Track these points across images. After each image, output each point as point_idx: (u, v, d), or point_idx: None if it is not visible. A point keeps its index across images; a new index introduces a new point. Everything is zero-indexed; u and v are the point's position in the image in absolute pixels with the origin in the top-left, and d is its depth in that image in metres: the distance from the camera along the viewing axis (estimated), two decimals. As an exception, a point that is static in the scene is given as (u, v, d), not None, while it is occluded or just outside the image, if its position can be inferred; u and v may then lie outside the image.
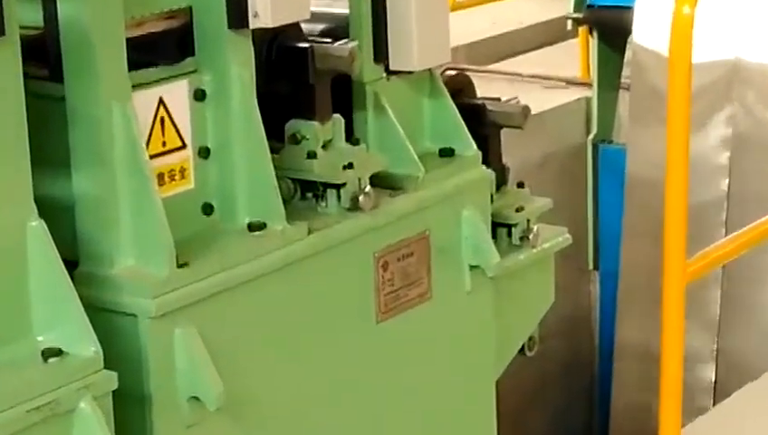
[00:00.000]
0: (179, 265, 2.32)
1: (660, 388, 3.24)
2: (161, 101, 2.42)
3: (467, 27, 7.33)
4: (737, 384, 4.14)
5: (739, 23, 5.66)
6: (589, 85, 6.50)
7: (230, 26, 2.45)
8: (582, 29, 6.51)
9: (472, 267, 2.84)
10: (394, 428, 2.76)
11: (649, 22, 5.80)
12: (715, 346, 5.77)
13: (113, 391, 2.19)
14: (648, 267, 5.09)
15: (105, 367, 2.18)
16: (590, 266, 6.47)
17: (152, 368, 2.28)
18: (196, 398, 2.32)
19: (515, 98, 3.11)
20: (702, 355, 5.75)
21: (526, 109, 3.04)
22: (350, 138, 2.70)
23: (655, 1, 5.66)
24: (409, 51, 2.74)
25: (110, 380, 2.18)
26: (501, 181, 3.04)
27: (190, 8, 2.46)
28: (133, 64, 2.35)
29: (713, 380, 5.72)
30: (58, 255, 2.18)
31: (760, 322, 5.68)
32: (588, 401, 6.57)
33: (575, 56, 6.83)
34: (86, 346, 2.16)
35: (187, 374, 2.31)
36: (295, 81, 2.63)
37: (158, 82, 2.41)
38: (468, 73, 3.22)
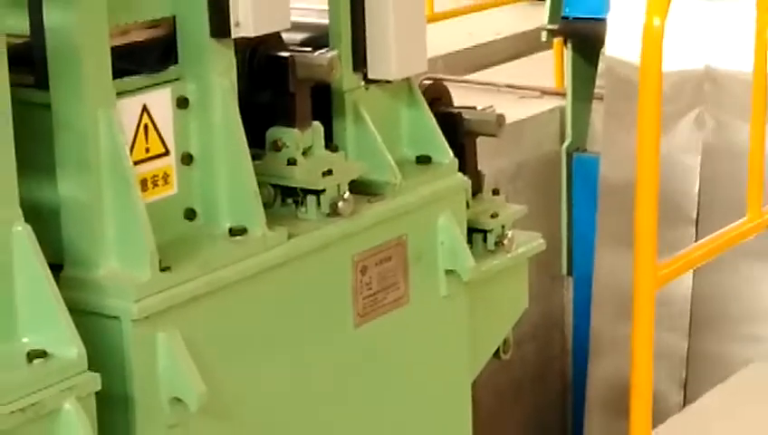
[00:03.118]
0: (162, 269, 2.32)
1: (630, 389, 3.25)
2: (145, 109, 2.41)
3: (445, 38, 7.34)
4: (708, 385, 4.15)
5: (708, 31, 5.68)
6: (563, 95, 6.52)
7: (212, 35, 2.44)
8: (557, 40, 6.53)
9: (448, 272, 2.84)
10: (372, 428, 2.76)
11: (622, 33, 5.82)
12: (686, 347, 5.78)
13: (97, 392, 2.19)
14: (621, 272, 5.10)
15: (89, 368, 2.17)
16: (564, 272, 6.48)
17: (135, 369, 2.27)
18: (178, 399, 2.31)
19: (491, 107, 3.11)
20: (673, 357, 5.76)
21: (501, 117, 3.05)
22: (330, 145, 2.70)
23: (627, 13, 5.69)
24: (387, 60, 2.75)
25: (94, 381, 2.17)
26: (476, 188, 3.04)
27: (174, 17, 2.46)
28: (117, 72, 2.34)
29: (683, 381, 5.74)
30: (43, 258, 2.18)
31: (730, 324, 5.70)
32: (562, 403, 6.58)
33: (550, 67, 6.85)
34: (70, 348, 2.15)
35: (169, 376, 2.30)
36: (276, 89, 2.63)
37: (141, 89, 2.41)
38: (445, 83, 3.22)
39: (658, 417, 3.79)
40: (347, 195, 2.62)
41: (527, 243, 3.09)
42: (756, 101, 3.60)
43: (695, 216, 5.74)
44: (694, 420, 3.89)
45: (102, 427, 2.22)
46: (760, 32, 3.56)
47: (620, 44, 5.84)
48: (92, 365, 2.18)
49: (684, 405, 5.20)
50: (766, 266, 5.60)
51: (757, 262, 5.55)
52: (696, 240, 5.01)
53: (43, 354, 2.13)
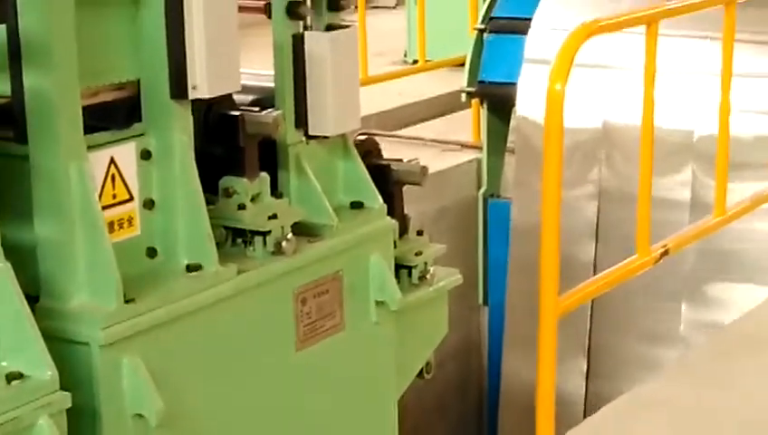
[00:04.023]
0: (127, 301, 2.32)
1: (536, 403, 3.26)
2: (112, 160, 2.41)
3: (378, 98, 7.36)
4: (607, 399, 4.17)
5: (605, 93, 5.75)
6: (480, 148, 6.54)
7: (172, 97, 2.45)
8: (474, 101, 6.56)
9: (377, 303, 2.85)
10: (311, 440, 2.76)
11: (530, 95, 5.87)
12: (586, 367, 5.81)
13: (68, 409, 2.18)
14: (530, 302, 5.14)
15: (61, 388, 2.17)
16: (481, 302, 6.50)
17: (102, 389, 2.27)
18: (140, 415, 2.30)
19: (416, 159, 3.13)
20: (574, 374, 5.80)
21: (425, 168, 3.06)
22: (275, 192, 2.70)
23: (534, 78, 5.74)
24: (325, 119, 2.76)
25: (65, 399, 2.17)
26: (403, 230, 3.05)
27: (138, 80, 2.46)
28: (88, 128, 2.34)
29: (584, 395, 5.77)
30: (21, 291, 2.17)
31: (627, 343, 5.73)
32: (479, 418, 6.58)
33: (468, 124, 6.88)
34: (44, 370, 2.15)
35: (132, 395, 2.29)
36: (228, 143, 2.63)
37: (109, 143, 2.41)
38: (377, 138, 3.23)
39: (562, 428, 3.80)
40: (290, 236, 2.62)
41: (447, 277, 3.10)
42: (644, 153, 3.64)
43: (592, 253, 5.78)
44: (593, 431, 3.90)
45: (73, 440, 2.21)
46: (647, 94, 3.61)
47: (529, 105, 5.90)
48: (64, 385, 2.18)
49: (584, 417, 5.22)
50: (656, 297, 5.65)
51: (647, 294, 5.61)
52: (594, 274, 5.04)
53: (19, 376, 2.12)
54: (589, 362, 5.80)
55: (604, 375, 5.73)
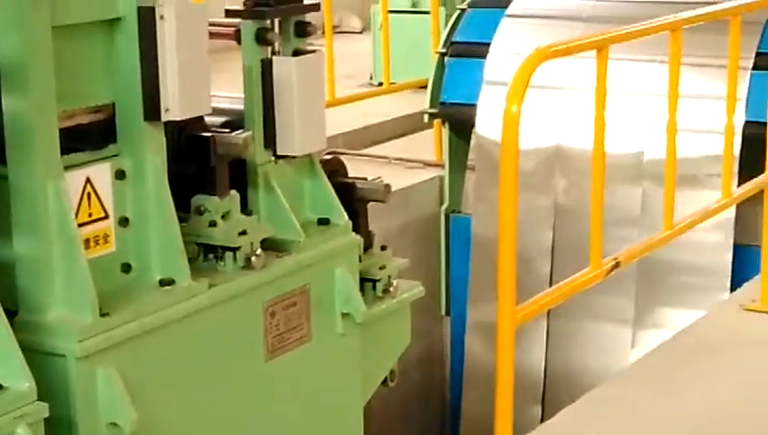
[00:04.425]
0: (102, 314, 2.30)
1: (495, 407, 3.26)
2: (88, 180, 2.40)
3: (345, 119, 7.37)
4: (564, 403, 4.17)
5: (560, 113, 5.78)
6: (441, 166, 6.56)
7: (146, 119, 2.44)
8: (436, 121, 6.57)
9: (343, 314, 2.85)
10: (280, 446, 2.75)
11: (489, 116, 5.89)
12: (544, 372, 5.83)
13: (45, 419, 2.16)
14: (489, 313, 5.15)
15: (38, 399, 2.15)
16: (443, 312, 6.50)
17: (78, 399, 2.25)
18: (114, 424, 2.29)
19: (379, 178, 3.13)
20: (532, 379, 5.81)
21: (388, 186, 3.07)
22: (245, 210, 2.70)
23: (493, 99, 5.77)
24: (293, 139, 2.76)
25: (42, 409, 2.15)
26: (368, 245, 3.05)
27: (113, 104, 2.45)
28: (65, 149, 2.33)
29: (541, 399, 5.78)
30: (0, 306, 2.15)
31: (581, 349, 5.75)
32: (441, 422, 6.58)
33: (431, 143, 6.90)
34: (22, 382, 2.13)
35: (107, 405, 2.28)
36: (200, 163, 2.62)
37: (85, 164, 2.40)
38: (344, 157, 3.23)
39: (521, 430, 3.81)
40: (259, 251, 2.62)
41: (409, 290, 3.10)
42: (596, 171, 3.65)
43: (549, 266, 5.80)
44: (550, 433, 3.90)
45: (50, 448, 2.19)
46: (598, 114, 3.62)
47: (488, 125, 5.92)
48: (42, 396, 2.16)
49: (542, 420, 5.23)
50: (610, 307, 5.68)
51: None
52: (550, 286, 5.05)
53: (-1, 388, 2.10)
54: (547, 361, 5.82)
55: (561, 373, 5.75)
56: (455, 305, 6.34)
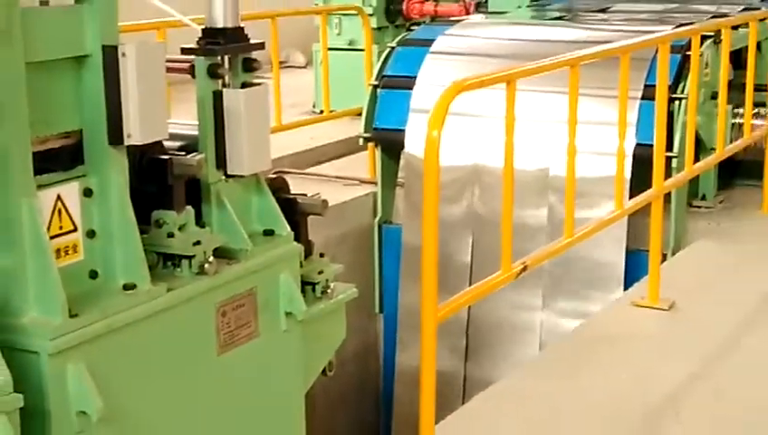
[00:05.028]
0: (71, 316, 2.27)
1: (420, 395, 3.28)
2: (59, 197, 2.37)
3: (291, 142, 7.37)
4: (479, 390, 4.22)
5: (476, 136, 5.84)
6: (375, 183, 6.60)
7: (110, 143, 2.42)
8: (370, 144, 6.62)
9: (286, 313, 2.83)
10: (231, 430, 2.73)
11: (416, 139, 5.94)
12: (464, 364, 5.86)
13: (20, 409, 2.13)
14: (417, 311, 5.19)
15: (15, 391, 2.12)
16: (377, 311, 6.53)
17: (50, 391, 2.22)
18: (83, 412, 2.26)
19: (318, 194, 3.12)
20: (453, 370, 5.84)
21: (325, 202, 3.06)
22: (199, 222, 2.68)
23: (419, 125, 5.81)
24: (241, 161, 2.74)
25: (18, 400, 2.12)
26: (308, 252, 3.04)
27: (81, 130, 2.43)
28: (38, 170, 2.30)
29: (462, 386, 5.82)
30: (-21, 310, 2.13)
31: (496, 343, 5.80)
32: (376, 407, 6.60)
33: (365, 163, 6.93)
34: (-1, 376, 2.11)
35: (76, 395, 2.25)
36: (159, 182, 2.60)
37: (56, 183, 2.37)
38: (289, 176, 3.23)
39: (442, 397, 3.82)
40: (211, 259, 2.60)
41: (345, 291, 3.09)
42: (506, 186, 3.69)
43: (468, 269, 5.85)
44: (468, 415, 3.94)
45: (26, 434, 2.16)
46: (508, 138, 3.67)
47: (415, 147, 5.97)
48: (17, 388, 2.13)
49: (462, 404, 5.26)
50: (521, 303, 5.73)
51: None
52: (469, 285, 5.10)
53: (-22, 381, 2.08)
54: (467, 355, 5.85)
55: (479, 367, 5.80)
56: (387, 305, 6.38)
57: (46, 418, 2.24)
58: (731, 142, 5.84)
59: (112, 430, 2.35)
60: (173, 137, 2.66)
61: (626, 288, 5.37)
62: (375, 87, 6.36)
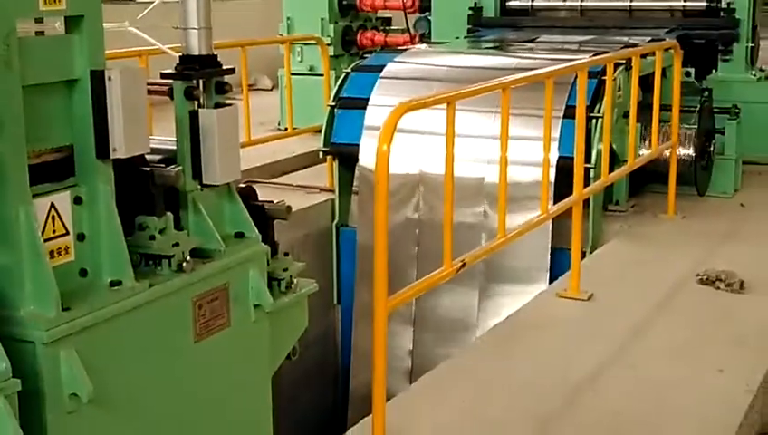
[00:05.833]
0: (64, 309, 2.25)
1: (373, 376, 3.28)
2: (52, 205, 2.34)
3: (259, 156, 7.34)
4: (425, 371, 4.23)
5: (421, 150, 5.85)
6: (333, 191, 6.59)
7: (98, 157, 2.40)
8: (329, 157, 6.61)
9: (255, 306, 2.82)
10: (204, 409, 2.72)
11: (368, 153, 5.95)
12: (411, 347, 5.87)
13: (19, 392, 2.11)
14: (370, 303, 5.20)
15: (13, 376, 2.10)
16: (335, 302, 6.52)
17: (45, 376, 2.20)
18: (74, 394, 2.24)
19: (282, 200, 3.12)
20: (402, 353, 5.84)
21: (289, 207, 3.06)
22: (178, 226, 2.66)
23: (371, 140, 5.81)
24: (215, 172, 2.73)
25: (16, 384, 2.10)
26: (274, 252, 3.03)
27: (72, 145, 2.40)
28: (34, 181, 2.28)
29: (410, 370, 5.82)
30: (-20, 304, 2.10)
31: (439, 328, 5.81)
32: (335, 386, 6.59)
33: (324, 173, 6.92)
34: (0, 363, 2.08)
35: (69, 379, 2.23)
36: (142, 191, 2.58)
37: (50, 192, 2.34)
38: (257, 185, 3.20)
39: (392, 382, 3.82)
40: (188, 258, 2.58)
41: (306, 286, 3.09)
42: (447, 193, 3.70)
43: (415, 266, 5.86)
44: (415, 394, 3.94)
45: (23, 415, 2.13)
46: (448, 151, 3.68)
47: (368, 160, 5.97)
48: (15, 374, 2.11)
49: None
50: (461, 294, 5.74)
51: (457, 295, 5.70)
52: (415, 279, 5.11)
53: (-20, 368, 2.05)
54: (414, 342, 5.86)
55: (425, 350, 5.81)
56: (344, 297, 6.38)
57: (41, 400, 2.22)
58: (640, 155, 5.92)
59: (101, 410, 2.33)
60: (154, 151, 2.64)
61: (551, 282, 5.42)
62: (333, 107, 6.36)
